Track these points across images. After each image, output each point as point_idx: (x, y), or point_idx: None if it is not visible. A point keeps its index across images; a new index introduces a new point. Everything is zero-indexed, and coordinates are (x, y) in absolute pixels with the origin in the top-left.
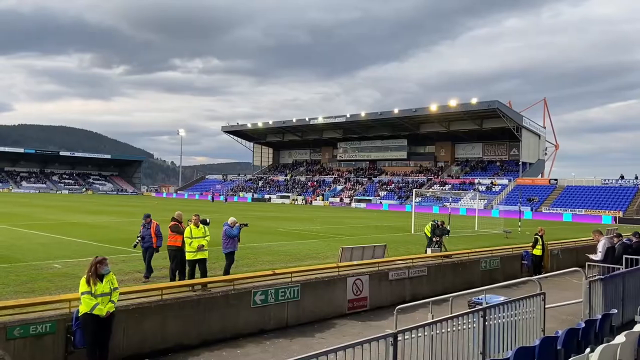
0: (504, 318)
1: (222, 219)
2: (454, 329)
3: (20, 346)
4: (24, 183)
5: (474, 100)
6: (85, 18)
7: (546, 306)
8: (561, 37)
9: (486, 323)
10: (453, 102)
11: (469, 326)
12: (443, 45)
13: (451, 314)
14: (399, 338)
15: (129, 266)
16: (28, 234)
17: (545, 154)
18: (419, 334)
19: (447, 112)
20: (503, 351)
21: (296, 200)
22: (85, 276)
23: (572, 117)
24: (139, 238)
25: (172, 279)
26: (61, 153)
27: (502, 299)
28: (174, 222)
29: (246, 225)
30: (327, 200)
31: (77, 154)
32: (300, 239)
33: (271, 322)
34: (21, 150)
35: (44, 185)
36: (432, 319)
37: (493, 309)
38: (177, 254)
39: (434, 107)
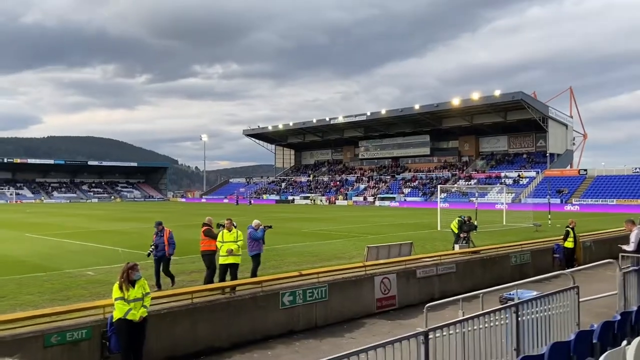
0: (537, 313)
1: (247, 222)
2: (486, 325)
3: (57, 353)
4: (55, 193)
5: (497, 93)
6: (108, 29)
7: (580, 300)
8: (584, 24)
9: (519, 319)
10: (475, 95)
11: (502, 322)
12: (462, 38)
13: (482, 310)
14: (430, 336)
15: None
16: (61, 243)
17: (573, 144)
18: (451, 332)
19: (469, 105)
20: (537, 347)
21: (314, 200)
22: (117, 282)
23: (599, 106)
24: (152, 247)
25: (210, 283)
26: (89, 163)
27: (534, 293)
28: (206, 227)
29: (270, 227)
30: (351, 199)
31: (104, 163)
32: (325, 239)
33: (300, 323)
34: (51, 161)
35: (74, 195)
36: (463, 316)
37: (526, 304)
38: (212, 258)
39: (456, 101)
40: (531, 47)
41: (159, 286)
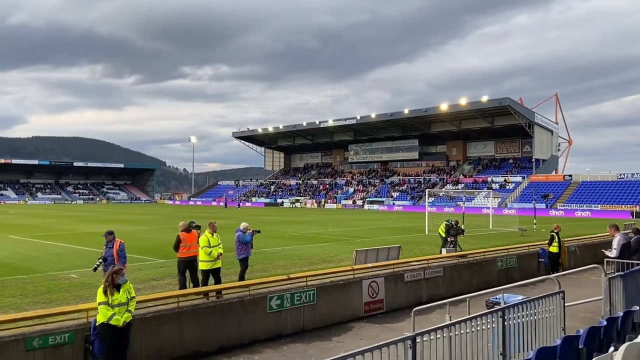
0: (523, 317)
1: (236, 225)
2: (473, 329)
3: (40, 357)
4: (39, 194)
5: (484, 98)
6: (96, 30)
7: (566, 304)
8: (571, 31)
9: (505, 323)
10: (463, 101)
11: (488, 326)
12: (452, 44)
13: (469, 314)
14: (418, 340)
15: (145, 274)
16: (44, 245)
17: (559, 149)
18: (438, 336)
19: (457, 110)
20: (523, 351)
21: (296, 203)
22: (102, 286)
23: (585, 112)
24: (100, 260)
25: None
26: (75, 164)
27: (520, 298)
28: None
29: (259, 232)
30: (340, 202)
31: (90, 164)
32: (313, 243)
33: (288, 327)
34: (36, 162)
35: (59, 196)
36: (450, 320)
37: (512, 309)
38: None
39: (444, 107)
40: (519, 54)
41: None
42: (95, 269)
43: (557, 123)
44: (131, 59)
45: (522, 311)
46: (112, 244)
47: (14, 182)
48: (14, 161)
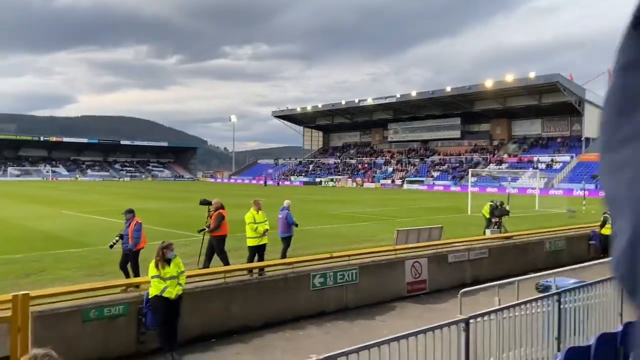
0: (579, 302)
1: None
2: (527, 312)
3: (95, 327)
4: (89, 171)
5: (532, 75)
6: (140, 11)
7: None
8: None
9: (561, 307)
10: (509, 77)
11: (542, 310)
12: (499, 18)
13: (518, 298)
14: (471, 322)
15: (191, 250)
16: (95, 220)
17: None
18: (491, 318)
19: (503, 87)
20: (578, 337)
21: (330, 182)
22: (153, 260)
23: None
24: (117, 237)
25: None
26: (122, 142)
27: (572, 281)
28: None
29: (296, 225)
30: (379, 182)
31: (136, 143)
32: (353, 222)
33: (330, 305)
34: (85, 140)
35: (107, 173)
36: (499, 303)
37: (568, 293)
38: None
39: (489, 84)
40: (570, 28)
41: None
42: (111, 246)
43: None
44: (174, 40)
45: (578, 294)
46: (130, 222)
47: (65, 160)
48: (65, 139)
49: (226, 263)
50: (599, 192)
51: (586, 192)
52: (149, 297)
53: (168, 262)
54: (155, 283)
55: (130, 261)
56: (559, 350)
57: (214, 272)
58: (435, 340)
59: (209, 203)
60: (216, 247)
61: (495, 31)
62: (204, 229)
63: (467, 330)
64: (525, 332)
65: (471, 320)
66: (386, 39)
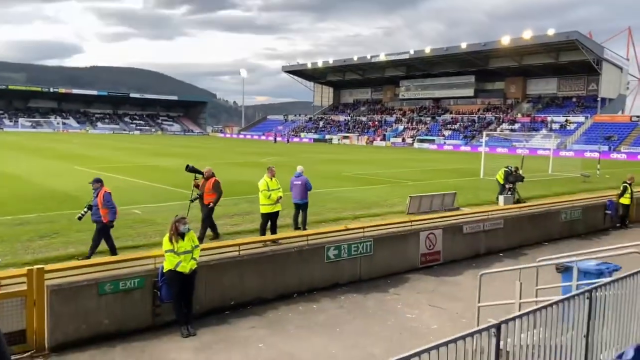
0: (609, 297)
1: (285, 162)
2: (558, 312)
3: (110, 300)
4: (99, 124)
5: (550, 32)
6: None
7: None
8: None
9: (592, 305)
10: (527, 35)
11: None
12: None
13: (537, 284)
14: (502, 328)
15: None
16: (106, 178)
17: (627, 88)
18: (524, 323)
19: (519, 45)
20: (608, 332)
21: (341, 139)
22: (167, 234)
23: None
24: (86, 208)
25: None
26: (131, 95)
27: (594, 263)
28: (215, 179)
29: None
30: (389, 140)
31: (146, 96)
32: (365, 184)
33: (344, 277)
34: (95, 92)
35: (117, 126)
36: (520, 287)
37: (600, 289)
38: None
39: (505, 41)
40: None
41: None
42: (80, 218)
43: (627, 59)
44: None
45: (610, 290)
46: (98, 192)
47: (75, 112)
48: (74, 91)
49: (215, 231)
50: (609, 154)
51: (597, 155)
52: (164, 270)
53: (182, 236)
54: (170, 257)
55: (102, 235)
56: (586, 351)
57: (228, 245)
58: (467, 347)
59: (197, 172)
60: (208, 214)
61: None
62: (196, 198)
63: (497, 335)
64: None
65: (502, 325)
66: None
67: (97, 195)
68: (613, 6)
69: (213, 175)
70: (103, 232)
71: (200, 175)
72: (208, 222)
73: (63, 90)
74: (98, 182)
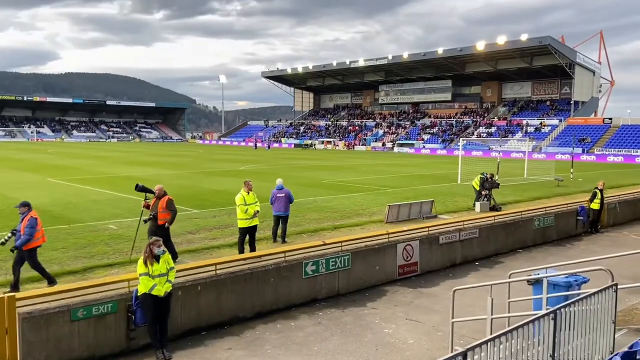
0: (573, 314)
1: (266, 170)
2: (523, 335)
3: (84, 326)
4: (74, 132)
5: (523, 37)
6: None
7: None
8: None
9: (557, 325)
10: (501, 40)
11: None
12: None
13: (509, 297)
14: (469, 356)
15: (180, 227)
16: (82, 190)
17: (600, 91)
18: (489, 347)
19: (494, 50)
20: (573, 347)
21: (313, 145)
22: (142, 257)
23: (629, 48)
24: (10, 234)
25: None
26: (108, 102)
27: (563, 277)
28: (169, 198)
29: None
30: (369, 145)
31: (123, 103)
32: (344, 192)
33: (323, 291)
34: (70, 100)
35: (94, 134)
36: (492, 303)
37: (563, 310)
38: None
39: (480, 46)
40: None
41: (14, 287)
42: (2, 244)
43: (599, 63)
44: None
45: (573, 308)
46: (24, 217)
47: (50, 120)
48: (49, 99)
49: (173, 252)
50: (579, 157)
51: (570, 157)
52: (138, 294)
53: (157, 258)
54: (144, 281)
55: (28, 261)
56: None
57: (205, 264)
58: None
59: (148, 191)
60: (165, 236)
61: None
62: (151, 218)
63: None
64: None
65: (469, 353)
66: None
67: (22, 220)
68: (585, 10)
69: (165, 193)
70: (30, 258)
71: (152, 195)
72: (168, 245)
73: (37, 98)
74: (25, 206)
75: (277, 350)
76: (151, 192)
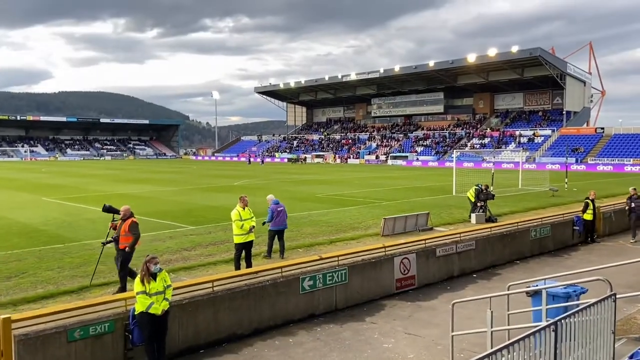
0: (573, 325)
1: (260, 185)
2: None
3: (81, 347)
4: (68, 150)
5: (514, 49)
6: None
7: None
8: None
9: (557, 336)
10: (492, 52)
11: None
12: None
13: (508, 309)
14: None
15: (176, 243)
16: (77, 209)
17: (591, 101)
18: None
19: (485, 62)
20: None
21: (302, 160)
22: (139, 276)
23: (618, 59)
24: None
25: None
26: (101, 120)
27: (562, 289)
28: (132, 220)
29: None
30: (363, 158)
31: (116, 120)
32: (340, 206)
33: (320, 307)
34: (64, 118)
35: (88, 152)
36: (491, 316)
37: (564, 321)
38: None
39: (471, 58)
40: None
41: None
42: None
43: (590, 73)
44: (152, 12)
45: (573, 318)
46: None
47: (44, 139)
48: (43, 118)
49: (123, 285)
50: (569, 167)
51: (565, 168)
52: (135, 313)
53: (154, 276)
54: (141, 299)
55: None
56: None
57: (202, 282)
58: None
59: (116, 211)
60: (124, 260)
61: (477, 1)
62: (111, 241)
63: None
64: None
65: None
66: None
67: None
68: (574, 21)
69: (131, 215)
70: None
71: (119, 216)
72: (123, 271)
73: (31, 118)
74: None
75: None
76: (118, 212)
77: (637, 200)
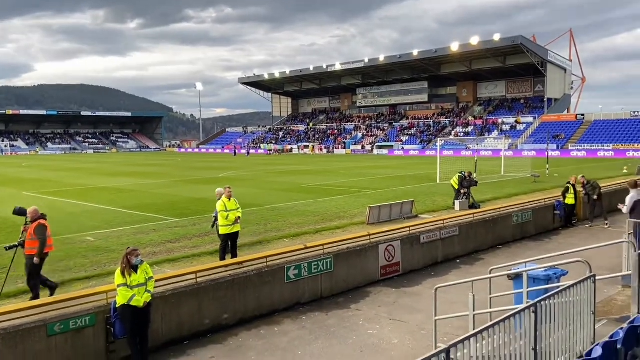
0: (553, 307)
1: (245, 177)
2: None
3: (61, 341)
4: (49, 144)
5: (496, 37)
6: None
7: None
8: None
9: (538, 317)
10: (475, 40)
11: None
12: None
13: (490, 292)
14: (452, 355)
15: (160, 236)
16: (58, 203)
17: (572, 88)
18: (477, 344)
19: (468, 50)
20: (554, 340)
21: (278, 152)
22: (119, 268)
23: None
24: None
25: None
26: (83, 113)
27: (542, 271)
28: (39, 222)
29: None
30: (349, 148)
31: (98, 113)
32: (325, 196)
33: (306, 295)
34: (44, 112)
35: (69, 146)
36: (474, 300)
37: (544, 303)
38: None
39: (454, 47)
40: None
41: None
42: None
43: (570, 60)
44: (133, 3)
45: (553, 300)
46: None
47: (24, 133)
48: (22, 112)
49: (36, 294)
50: (545, 153)
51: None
52: (116, 305)
53: (135, 269)
54: (122, 292)
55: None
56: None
57: (185, 273)
58: None
59: (24, 213)
60: (33, 270)
61: None
62: (16, 246)
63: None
64: (506, 350)
65: (452, 350)
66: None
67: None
68: (555, 9)
69: (41, 217)
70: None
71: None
72: (33, 280)
73: (10, 112)
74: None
75: (261, 356)
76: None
77: (587, 186)
